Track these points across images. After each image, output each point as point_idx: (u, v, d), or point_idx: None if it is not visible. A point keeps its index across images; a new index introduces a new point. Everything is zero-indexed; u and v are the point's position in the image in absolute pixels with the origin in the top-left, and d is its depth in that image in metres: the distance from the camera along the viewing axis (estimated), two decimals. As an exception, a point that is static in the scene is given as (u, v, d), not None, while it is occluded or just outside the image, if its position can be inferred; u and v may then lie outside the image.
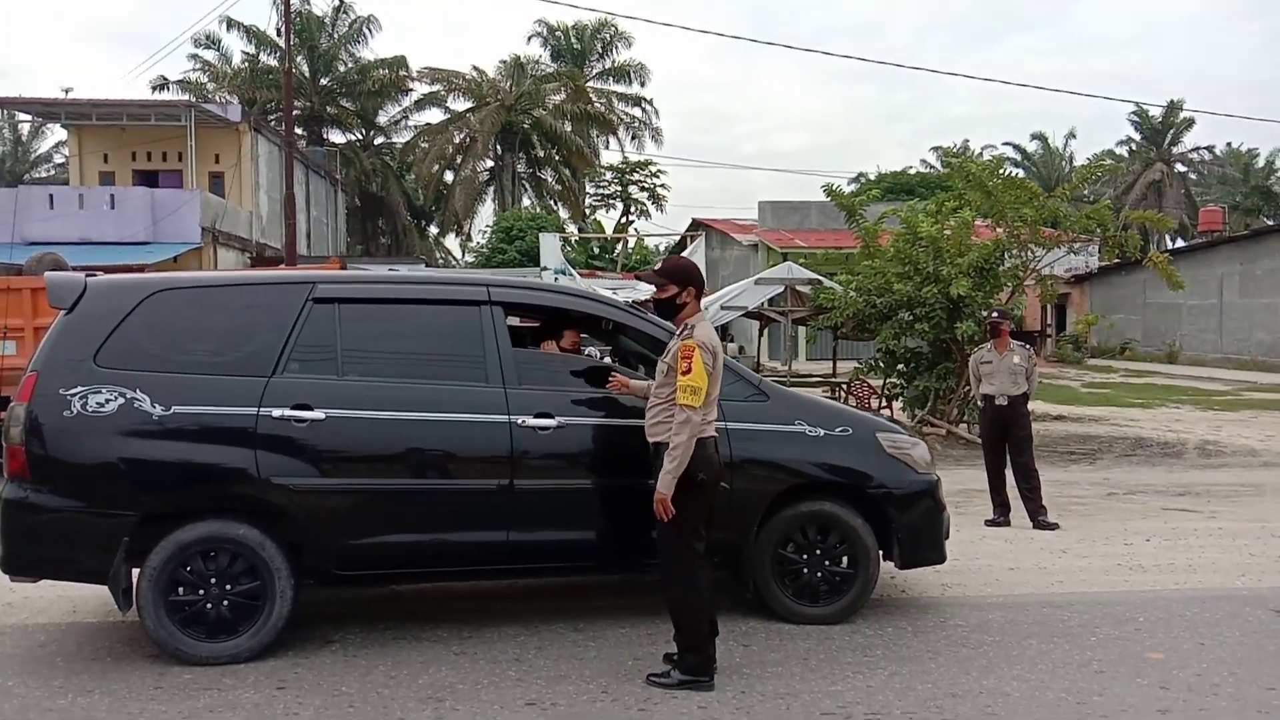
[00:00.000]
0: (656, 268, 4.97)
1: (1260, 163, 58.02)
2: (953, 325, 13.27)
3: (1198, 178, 58.13)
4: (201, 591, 4.82)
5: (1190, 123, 55.67)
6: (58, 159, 49.52)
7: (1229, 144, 59.19)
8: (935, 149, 60.39)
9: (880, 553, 5.58)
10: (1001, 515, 8.86)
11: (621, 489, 5.09)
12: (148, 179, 29.40)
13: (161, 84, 39.71)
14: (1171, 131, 56.15)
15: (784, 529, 5.46)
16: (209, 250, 26.67)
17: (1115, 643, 5.27)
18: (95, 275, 5.14)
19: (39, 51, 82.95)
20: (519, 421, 5.10)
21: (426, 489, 5.07)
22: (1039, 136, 57.90)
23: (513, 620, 5.54)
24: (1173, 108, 53.26)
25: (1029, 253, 14.04)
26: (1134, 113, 55.63)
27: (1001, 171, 14.14)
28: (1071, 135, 64.32)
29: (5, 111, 32.80)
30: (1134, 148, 57.01)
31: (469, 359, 5.23)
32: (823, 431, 5.47)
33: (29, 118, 38.23)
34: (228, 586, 4.84)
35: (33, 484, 4.71)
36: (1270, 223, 48.48)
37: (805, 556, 5.49)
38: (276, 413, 4.88)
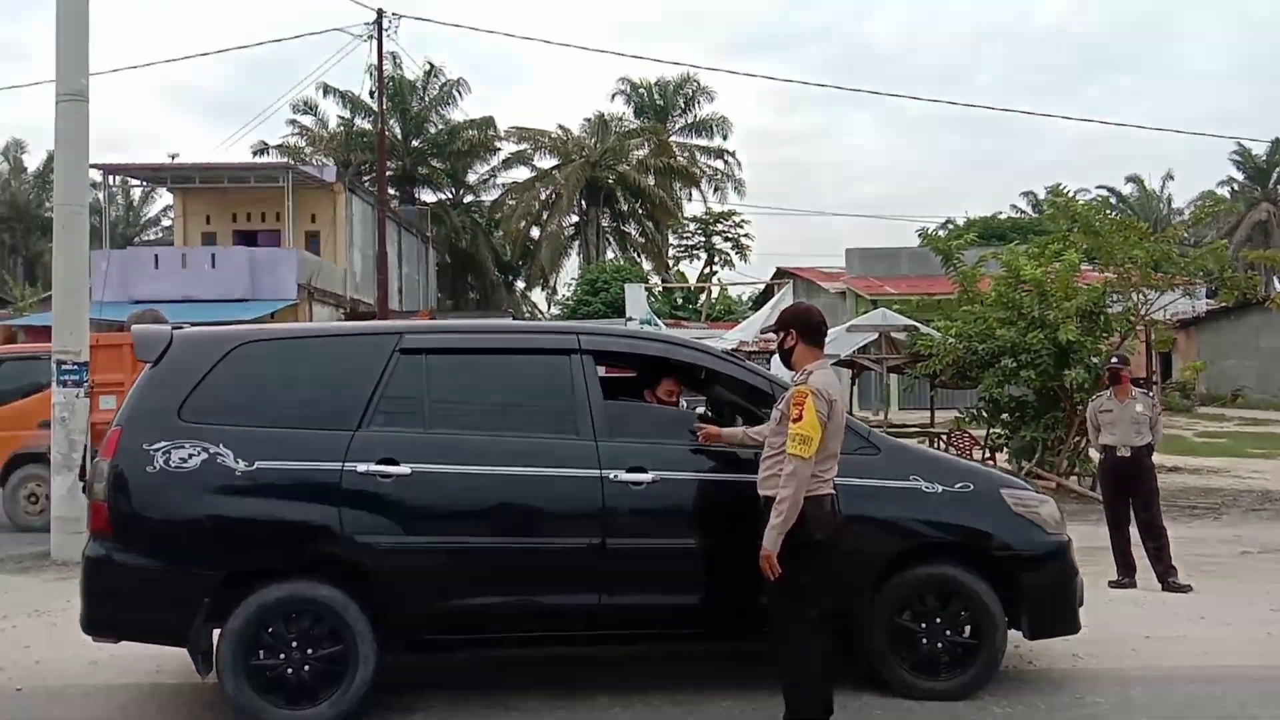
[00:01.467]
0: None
1: (1373, 199, 55.22)
2: (1060, 372, 12.62)
3: (1306, 218, 55.51)
4: (282, 655, 4.60)
5: (1295, 160, 53.32)
6: (165, 222, 51.70)
7: (1338, 181, 56.48)
8: (1026, 194, 59.12)
9: (1007, 621, 5.09)
10: (1127, 576, 8.20)
11: (724, 549, 4.73)
12: (247, 239, 30.34)
13: (262, 149, 41.25)
14: (1277, 170, 53.88)
15: (900, 595, 5.02)
16: (305, 306, 27.25)
17: (1281, 726, 4.68)
18: (182, 328, 5.05)
19: (147, 122, 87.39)
20: (611, 476, 4.81)
21: (514, 548, 4.80)
22: (1134, 179, 56.07)
23: (606, 689, 5.19)
24: (1278, 144, 51.21)
25: (1140, 295, 13.34)
26: (1236, 151, 53.53)
27: (1109, 212, 13.50)
28: (1169, 177, 62.02)
29: (115, 177, 34.19)
30: (1236, 188, 54.81)
31: (559, 410, 4.97)
32: (941, 488, 5.04)
33: (138, 183, 39.95)
34: (309, 650, 4.61)
35: (115, 541, 4.59)
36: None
37: (924, 625, 5.03)
38: (361, 468, 4.68)
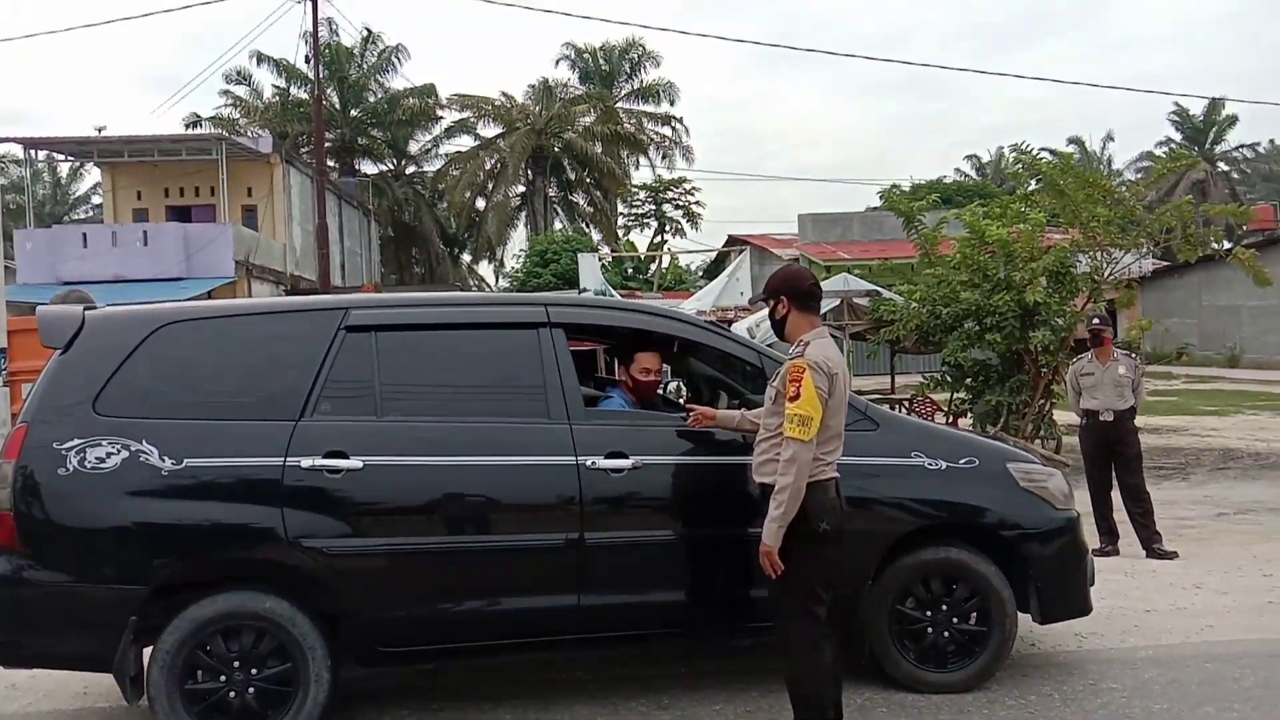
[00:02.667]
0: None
1: (1306, 158, 56.47)
2: (1026, 334, 12.36)
3: (1240, 176, 56.47)
4: (223, 677, 4.06)
5: (1233, 120, 54.12)
6: (95, 200, 49.78)
7: (1272, 141, 57.60)
8: (970, 157, 59.39)
9: (1016, 605, 4.73)
10: (1110, 544, 7.96)
11: (713, 541, 4.30)
12: (181, 215, 29.17)
13: (194, 121, 39.71)
14: (1214, 130, 54.67)
15: (903, 581, 4.63)
16: (243, 284, 26.29)
17: (1311, 708, 4.38)
18: (96, 307, 4.45)
19: (71, 95, 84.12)
20: (588, 463, 4.32)
21: (481, 548, 4.30)
22: (1076, 141, 56.34)
23: (584, 696, 4.74)
24: (1214, 105, 51.93)
25: (1104, 255, 13.11)
26: (1174, 113, 54.34)
27: (1073, 166, 13.23)
28: (1109, 138, 62.70)
29: (40, 153, 32.58)
30: (1174, 148, 55.52)
31: (527, 391, 4.47)
32: (945, 464, 4.64)
33: (64, 158, 38.27)
34: (253, 670, 4.09)
35: (23, 556, 3.99)
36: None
37: (929, 613, 4.65)
38: (306, 462, 4.14)
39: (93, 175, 47.33)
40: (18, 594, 3.99)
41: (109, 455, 4.05)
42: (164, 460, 4.07)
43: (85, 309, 4.38)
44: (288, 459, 4.13)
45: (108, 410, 4.12)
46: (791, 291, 4.00)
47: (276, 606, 4.10)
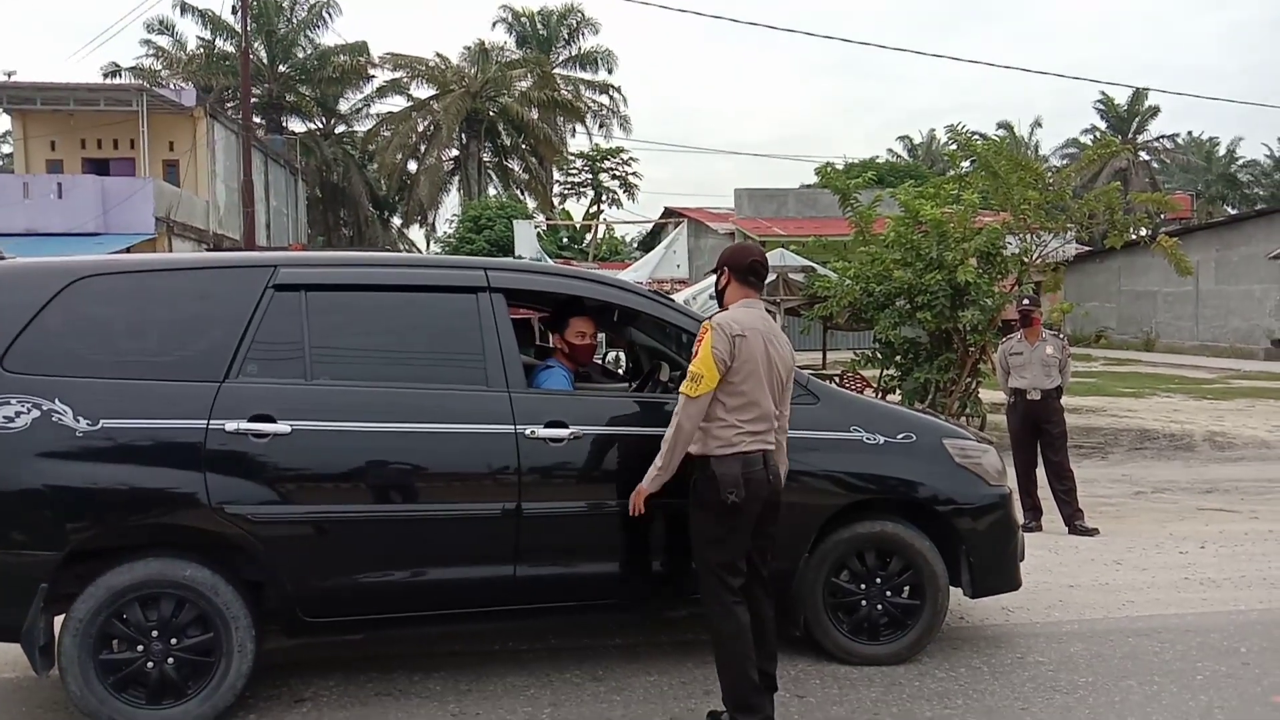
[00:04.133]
0: None
1: (1221, 151, 58.33)
2: (956, 314, 12.55)
3: (1160, 166, 58.16)
4: (140, 647, 3.89)
5: (1156, 110, 55.71)
6: (5, 149, 47.62)
7: (1189, 132, 59.46)
8: (901, 138, 60.14)
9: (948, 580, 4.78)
10: (1034, 519, 8.13)
11: (651, 511, 4.22)
12: (98, 167, 27.97)
13: (113, 71, 38.16)
14: (1137, 120, 56.14)
15: (838, 554, 4.64)
16: (164, 241, 25.35)
17: (1226, 681, 4.51)
18: (4, 258, 4.19)
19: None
20: (526, 432, 4.23)
21: (415, 517, 4.17)
22: (1005, 125, 57.40)
23: (518, 667, 4.67)
24: (1138, 94, 53.32)
25: (1033, 238, 13.34)
26: (1099, 101, 55.64)
27: (1005, 148, 13.41)
28: (1037, 124, 64.21)
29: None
30: (1098, 135, 56.88)
31: (465, 357, 4.34)
32: (883, 439, 4.65)
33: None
34: (173, 640, 3.92)
35: (-77, 519, 3.76)
36: (1233, 211, 48.64)
37: (863, 586, 4.67)
38: (230, 425, 3.97)
39: (2, 123, 45.28)
40: (-83, 559, 3.76)
41: (18, 415, 3.83)
42: (78, 420, 3.86)
43: (-8, 259, 4.12)
44: (211, 421, 3.95)
45: (17, 367, 3.89)
46: (734, 265, 4.11)
47: (197, 574, 3.94)
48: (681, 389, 3.88)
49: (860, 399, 5.11)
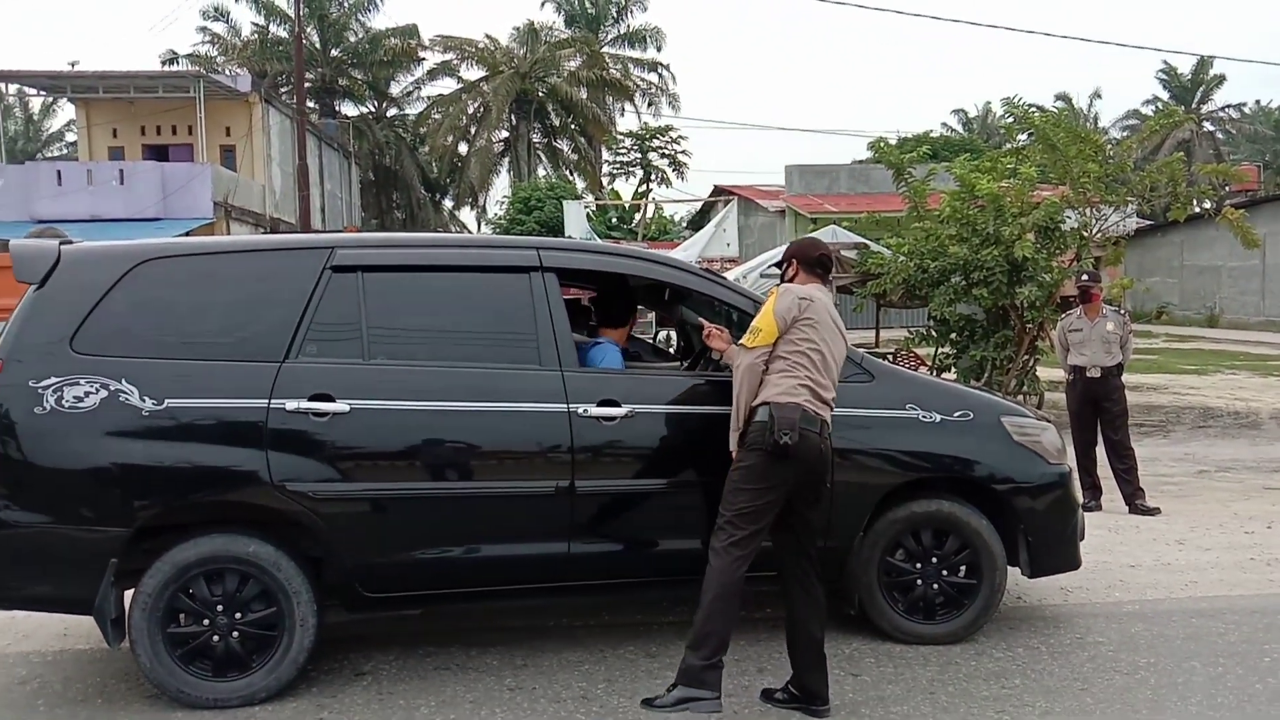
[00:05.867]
0: None
1: (1291, 119, 56.45)
2: (1013, 290, 12.33)
3: (1225, 137, 56.45)
4: (206, 621, 4.00)
5: (1221, 79, 54.00)
6: (70, 138, 48.77)
7: (1257, 101, 57.53)
8: (956, 112, 59.02)
9: (1006, 559, 4.72)
10: (1093, 499, 7.99)
11: (705, 489, 4.24)
12: (158, 154, 28.58)
13: (170, 58, 38.85)
14: (1201, 89, 54.50)
15: (893, 533, 4.60)
16: (222, 225, 25.84)
17: (1294, 664, 4.41)
18: (71, 242, 4.30)
19: (40, 27, 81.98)
20: (579, 411, 4.25)
21: (469, 494, 4.22)
22: (1063, 97, 56.19)
23: (573, 643, 4.72)
24: (1203, 63, 51.76)
25: (1093, 212, 13.05)
26: (1162, 71, 54.10)
27: (1064, 120, 13.11)
28: (1097, 95, 62.60)
29: (11, 88, 31.69)
30: (1160, 106, 55.35)
31: (518, 336, 4.37)
32: (939, 417, 4.60)
33: (35, 92, 37.32)
34: (237, 614, 4.03)
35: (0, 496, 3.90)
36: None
37: (919, 565, 4.64)
38: (291, 405, 4.05)
39: (66, 112, 46.37)
40: (-6, 535, 3.89)
41: (87, 395, 3.94)
42: (144, 400, 3.96)
43: (61, 243, 4.23)
44: (272, 401, 4.03)
45: (85, 348, 4.00)
46: (801, 257, 4.26)
47: (260, 550, 4.03)
48: (741, 340, 4.02)
49: (916, 376, 5.06)
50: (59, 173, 26.07)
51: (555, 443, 4.23)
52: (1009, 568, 4.76)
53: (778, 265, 4.41)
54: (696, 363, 5.25)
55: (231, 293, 4.23)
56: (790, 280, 4.20)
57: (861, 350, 4.97)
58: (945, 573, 4.65)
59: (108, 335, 4.04)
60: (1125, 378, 8.30)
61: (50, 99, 43.73)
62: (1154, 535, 6.94)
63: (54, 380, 3.92)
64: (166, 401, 3.98)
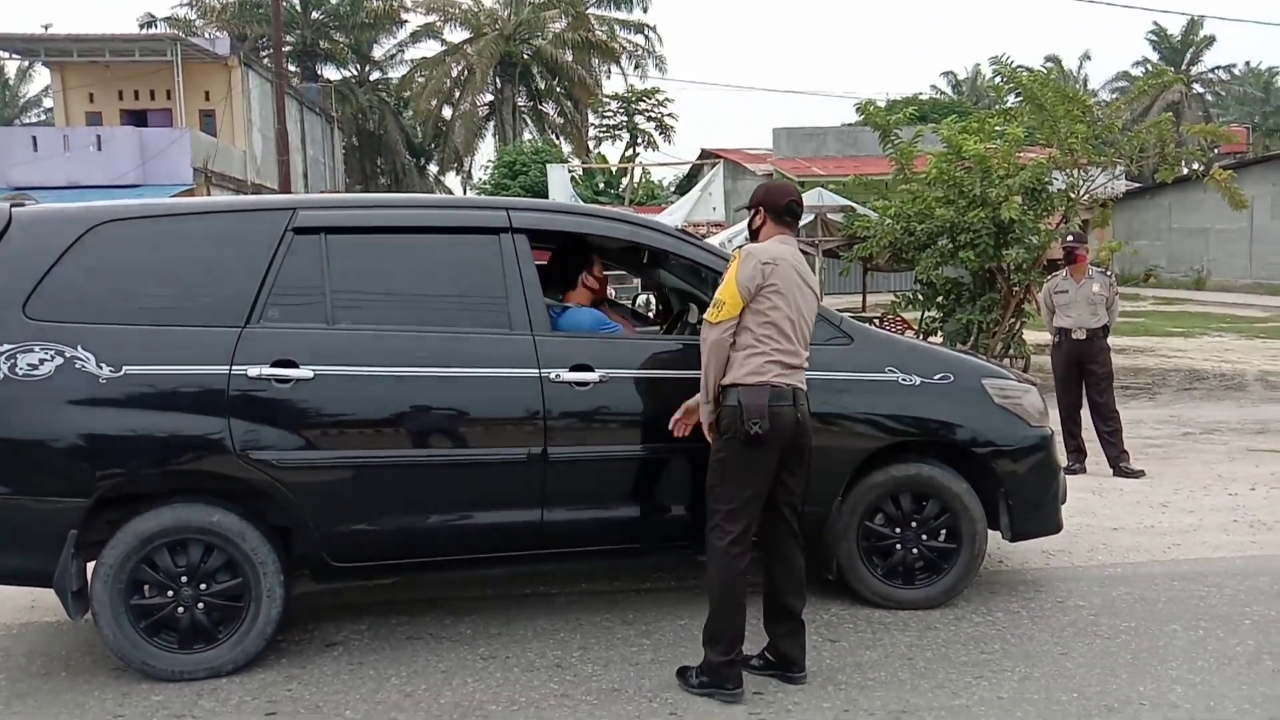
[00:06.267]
0: None
1: (1280, 82, 56.26)
2: (1000, 252, 12.24)
3: (1215, 99, 56.21)
4: (170, 593, 3.91)
5: (1211, 40, 53.74)
6: (47, 103, 47.99)
7: (1247, 63, 57.27)
8: (946, 74, 58.64)
9: (986, 523, 4.66)
10: (1077, 462, 7.96)
11: (682, 454, 4.15)
12: (136, 118, 28.14)
13: (149, 21, 38.22)
14: (1191, 50, 54.21)
15: (873, 498, 4.53)
16: (202, 191, 25.51)
17: (1275, 626, 4.38)
18: (23, 205, 4.15)
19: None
20: (551, 376, 4.15)
21: (439, 461, 4.12)
22: (1052, 58, 55.75)
23: (549, 611, 4.65)
24: (1193, 24, 51.48)
25: (1080, 173, 12.92)
26: (1152, 32, 53.80)
27: (1052, 81, 12.94)
28: (1086, 57, 62.25)
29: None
30: (1150, 67, 55.04)
31: (488, 300, 4.25)
32: (919, 379, 4.51)
33: (9, 56, 36.65)
34: (202, 586, 3.93)
35: (-47, 468, 3.78)
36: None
37: (898, 530, 4.57)
38: (253, 371, 3.93)
39: (43, 77, 45.57)
40: (-51, 507, 3.78)
41: (42, 362, 3.82)
42: (101, 367, 3.84)
43: (12, 205, 4.08)
44: (234, 367, 3.92)
45: (39, 314, 3.87)
46: (768, 203, 3.99)
47: (225, 520, 3.93)
48: (705, 315, 3.83)
49: (896, 339, 4.96)
50: (34, 139, 25.67)
51: (527, 409, 4.13)
52: (990, 532, 4.71)
53: (747, 208, 4.16)
54: (674, 326, 5.15)
55: (190, 256, 4.10)
56: (758, 230, 3.98)
57: (844, 314, 4.88)
58: (925, 537, 4.58)
59: (63, 301, 3.91)
60: (1111, 340, 8.24)
61: (25, 63, 42.96)
62: (1138, 498, 6.91)
63: (7, 348, 3.80)
64: (124, 368, 3.86)
